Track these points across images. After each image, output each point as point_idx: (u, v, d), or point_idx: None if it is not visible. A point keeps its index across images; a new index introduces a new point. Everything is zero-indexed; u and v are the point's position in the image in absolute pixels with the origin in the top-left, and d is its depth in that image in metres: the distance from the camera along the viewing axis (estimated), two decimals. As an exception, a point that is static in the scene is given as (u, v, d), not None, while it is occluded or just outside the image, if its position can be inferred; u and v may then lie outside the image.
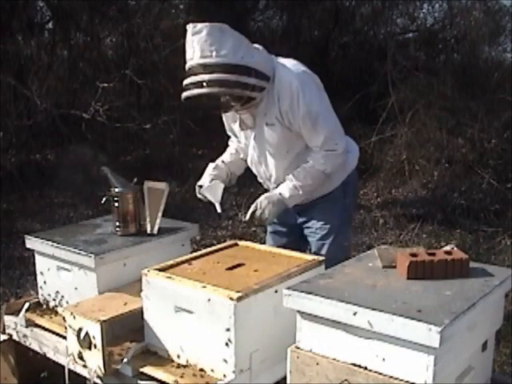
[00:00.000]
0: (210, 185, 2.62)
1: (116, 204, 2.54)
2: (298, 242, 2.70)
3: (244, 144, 2.66)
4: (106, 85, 6.98)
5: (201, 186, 2.66)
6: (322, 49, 9.49)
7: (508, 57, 8.86)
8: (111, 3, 8.11)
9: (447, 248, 1.93)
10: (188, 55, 2.36)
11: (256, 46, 2.47)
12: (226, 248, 2.40)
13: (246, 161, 2.74)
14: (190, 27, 2.33)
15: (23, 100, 6.94)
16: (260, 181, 2.75)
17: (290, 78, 2.41)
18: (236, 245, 2.45)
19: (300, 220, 2.70)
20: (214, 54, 2.30)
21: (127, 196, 2.55)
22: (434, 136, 6.64)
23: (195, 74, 2.33)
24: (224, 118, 2.71)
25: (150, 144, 7.64)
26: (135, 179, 2.62)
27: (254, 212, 2.50)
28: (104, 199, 2.59)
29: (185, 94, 2.38)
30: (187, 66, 2.37)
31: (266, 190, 2.67)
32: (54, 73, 7.98)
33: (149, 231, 2.55)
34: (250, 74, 2.34)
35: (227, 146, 2.86)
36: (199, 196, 2.65)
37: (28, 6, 8.02)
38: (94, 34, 8.23)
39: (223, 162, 2.77)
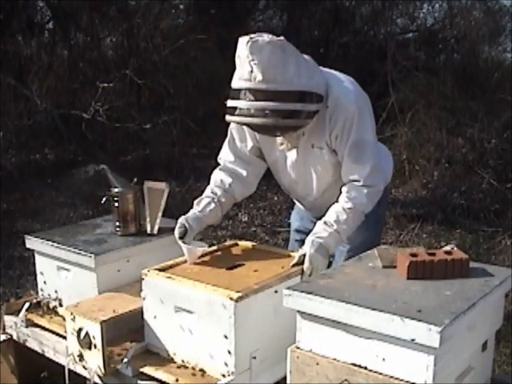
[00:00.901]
0: (192, 248, 2.23)
1: (116, 204, 2.54)
2: None
3: (275, 162, 2.40)
4: (106, 85, 6.98)
5: (184, 228, 2.27)
6: (322, 49, 9.49)
7: (508, 57, 8.86)
8: (111, 3, 8.12)
9: (447, 248, 1.93)
10: (242, 74, 2.04)
11: (306, 57, 2.18)
12: (226, 248, 2.40)
13: (235, 197, 2.46)
14: (247, 41, 2.02)
15: (23, 100, 6.94)
16: (292, 197, 2.58)
17: (348, 101, 2.17)
18: (236, 245, 2.45)
19: None
20: (279, 78, 2.01)
21: (127, 196, 2.55)
22: (433, 136, 6.63)
23: (254, 100, 2.03)
24: (236, 135, 2.43)
25: (150, 144, 7.64)
26: (135, 179, 2.61)
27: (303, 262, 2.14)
28: (104, 199, 2.59)
29: (237, 120, 2.13)
30: (239, 85, 2.07)
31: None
32: (54, 73, 7.98)
33: (149, 231, 2.55)
34: (313, 99, 2.09)
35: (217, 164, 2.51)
36: (176, 238, 2.29)
37: (28, 6, 8.03)
38: (94, 33, 8.24)
39: (219, 201, 2.40)
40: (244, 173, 2.44)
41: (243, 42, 2.04)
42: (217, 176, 2.46)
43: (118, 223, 2.55)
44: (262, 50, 2.00)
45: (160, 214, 2.53)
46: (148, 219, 2.55)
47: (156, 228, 2.54)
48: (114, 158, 7.01)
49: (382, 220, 2.67)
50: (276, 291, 1.97)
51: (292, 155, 2.34)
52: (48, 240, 2.49)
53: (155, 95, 8.03)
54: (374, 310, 1.57)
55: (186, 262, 2.22)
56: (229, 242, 2.48)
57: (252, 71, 2.01)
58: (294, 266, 2.13)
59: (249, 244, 2.46)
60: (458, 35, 8.65)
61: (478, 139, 6.48)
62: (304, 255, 2.14)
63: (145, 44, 7.85)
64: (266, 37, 2.06)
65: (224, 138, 2.52)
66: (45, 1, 8.24)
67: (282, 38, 2.11)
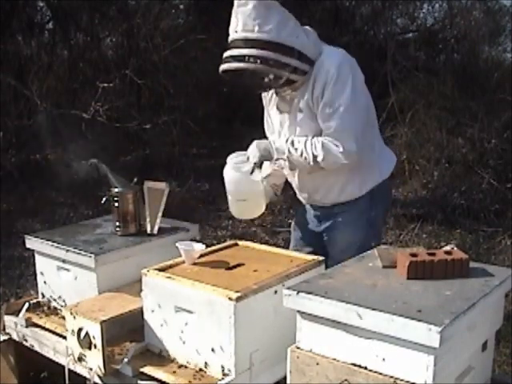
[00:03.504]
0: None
1: (116, 204, 2.54)
2: (324, 249, 2.52)
3: (277, 132, 2.52)
4: (106, 85, 6.98)
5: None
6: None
7: (508, 57, 8.86)
8: (111, 3, 8.11)
9: (447, 248, 1.93)
10: (231, 27, 2.30)
11: (307, 27, 2.38)
12: (225, 248, 2.40)
13: None
14: None
15: (23, 100, 6.94)
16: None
17: (330, 64, 2.30)
18: (236, 245, 2.45)
19: (322, 227, 2.56)
20: (257, 28, 2.23)
21: (127, 196, 2.55)
22: (433, 136, 6.63)
23: (235, 48, 2.27)
24: (265, 103, 2.59)
25: (150, 144, 7.64)
26: (135, 179, 2.61)
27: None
28: (104, 199, 2.59)
29: (223, 67, 2.31)
30: (230, 38, 2.31)
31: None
32: (54, 73, 7.98)
33: (149, 231, 2.55)
34: (292, 54, 2.26)
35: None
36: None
37: (28, 6, 8.02)
38: (94, 33, 8.24)
39: None
40: None
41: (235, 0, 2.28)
42: None
43: (118, 223, 2.55)
44: (246, 5, 2.24)
45: (160, 214, 2.53)
46: (148, 219, 2.55)
47: (156, 228, 2.54)
48: (114, 158, 7.01)
49: (378, 223, 2.58)
50: (276, 291, 1.97)
51: (286, 121, 2.46)
52: (48, 240, 2.49)
53: (155, 95, 8.02)
54: (374, 310, 1.57)
55: (185, 262, 2.22)
56: (229, 242, 2.48)
57: (237, 24, 2.27)
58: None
59: (249, 244, 2.46)
60: (458, 35, 8.65)
61: (478, 139, 6.47)
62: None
63: (145, 44, 7.85)
64: None
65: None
66: (45, 1, 8.24)
67: (274, 1, 2.31)
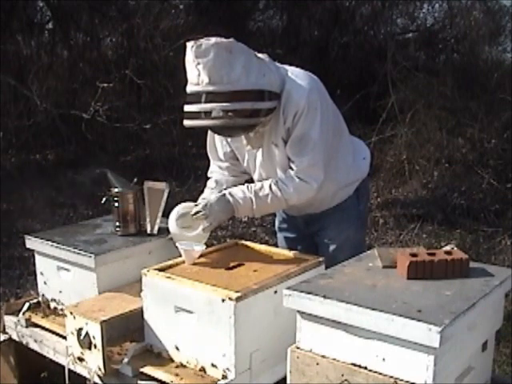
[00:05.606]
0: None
1: (116, 204, 2.54)
2: (312, 248, 2.52)
3: (247, 163, 2.42)
4: (105, 85, 6.98)
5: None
6: (321, 49, 9.48)
7: (508, 57, 8.86)
8: (111, 3, 8.12)
9: (447, 248, 1.93)
10: (191, 79, 2.09)
11: (261, 56, 2.21)
12: (225, 248, 2.40)
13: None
14: (192, 46, 2.05)
15: (23, 100, 6.94)
16: None
17: (299, 96, 2.17)
18: (236, 245, 2.45)
19: (310, 229, 2.55)
20: (225, 79, 2.04)
21: (127, 196, 2.55)
22: (433, 136, 6.64)
23: (202, 102, 2.07)
24: (218, 142, 2.47)
25: (150, 144, 7.64)
26: (135, 179, 2.61)
27: (199, 211, 2.27)
28: (104, 199, 2.59)
29: (193, 123, 2.13)
30: (190, 90, 2.11)
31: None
32: (54, 73, 7.98)
33: (149, 231, 2.55)
34: (263, 97, 2.12)
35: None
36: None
37: (28, 6, 8.03)
38: (93, 34, 8.25)
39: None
40: (225, 172, 2.51)
41: (189, 47, 2.07)
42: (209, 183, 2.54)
43: (117, 223, 2.55)
44: (207, 53, 2.04)
45: (160, 214, 2.54)
46: (148, 219, 2.55)
47: (156, 228, 2.54)
48: (114, 158, 7.00)
49: (364, 216, 2.66)
50: (276, 291, 1.97)
51: (259, 155, 2.36)
52: (48, 240, 2.49)
53: (155, 95, 8.02)
54: (373, 310, 1.57)
55: (185, 262, 2.22)
56: (229, 242, 2.48)
57: (199, 75, 2.05)
58: (194, 214, 2.27)
59: (249, 244, 2.46)
60: (458, 35, 8.65)
61: (478, 139, 6.49)
62: (207, 204, 2.25)
63: (145, 44, 7.85)
64: (212, 40, 2.08)
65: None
66: (45, 1, 8.25)
67: (231, 39, 2.12)
